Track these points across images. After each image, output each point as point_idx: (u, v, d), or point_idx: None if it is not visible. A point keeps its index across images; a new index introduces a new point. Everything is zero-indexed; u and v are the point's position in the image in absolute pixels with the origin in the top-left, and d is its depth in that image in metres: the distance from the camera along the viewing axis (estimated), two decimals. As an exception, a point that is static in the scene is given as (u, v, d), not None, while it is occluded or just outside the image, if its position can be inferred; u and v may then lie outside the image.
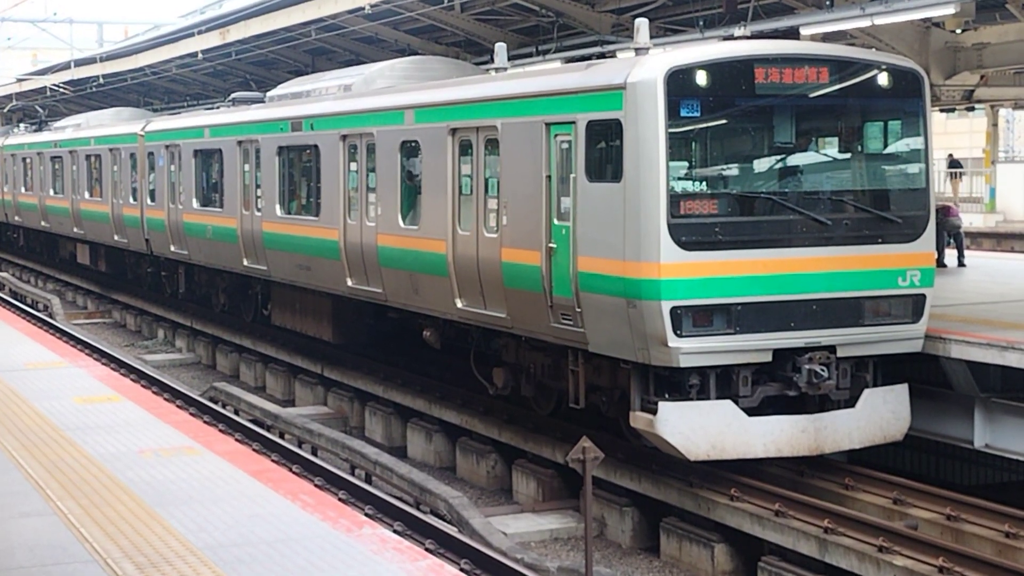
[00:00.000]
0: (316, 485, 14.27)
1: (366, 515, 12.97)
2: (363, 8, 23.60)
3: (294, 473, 14.46)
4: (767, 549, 13.51)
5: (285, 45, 30.16)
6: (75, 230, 36.07)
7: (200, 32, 32.72)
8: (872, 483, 14.41)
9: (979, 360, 14.27)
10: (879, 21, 17.15)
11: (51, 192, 38.17)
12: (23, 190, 42.02)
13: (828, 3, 17.91)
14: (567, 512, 15.96)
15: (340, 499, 14.07)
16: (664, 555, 14.67)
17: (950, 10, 16.48)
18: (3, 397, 14.82)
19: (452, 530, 13.95)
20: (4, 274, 42.80)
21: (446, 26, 24.92)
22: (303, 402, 23.37)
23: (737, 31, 15.25)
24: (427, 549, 12.29)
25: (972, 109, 28.09)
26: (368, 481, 16.60)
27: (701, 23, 19.30)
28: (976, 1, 17.30)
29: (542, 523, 15.60)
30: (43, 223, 39.73)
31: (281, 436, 19.17)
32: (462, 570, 12.38)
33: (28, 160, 41.10)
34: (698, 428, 13.65)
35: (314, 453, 18.22)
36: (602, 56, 21.27)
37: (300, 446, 18.60)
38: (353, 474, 16.96)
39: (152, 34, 44.31)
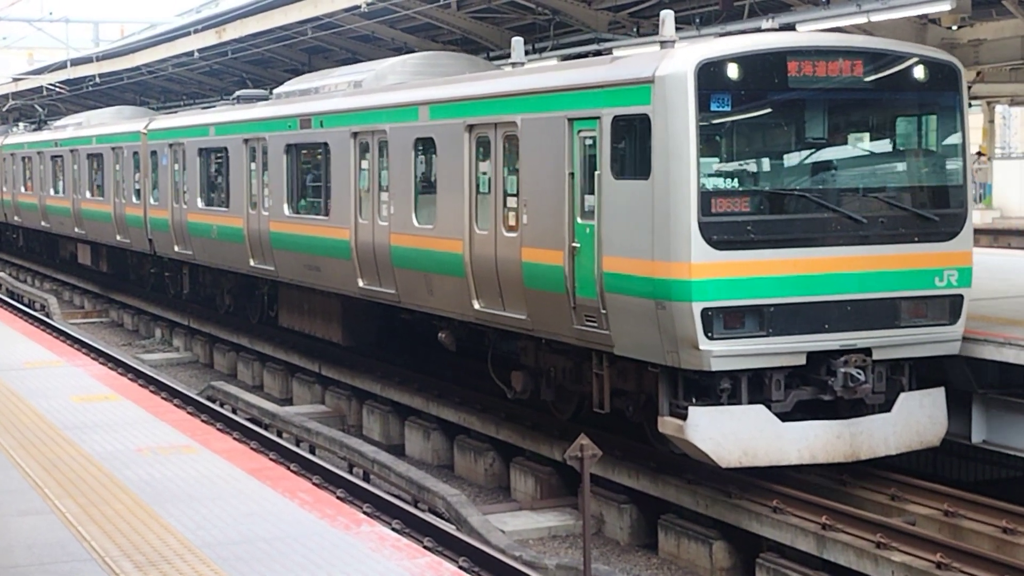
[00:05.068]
0: (314, 483, 14.27)
1: (364, 513, 12.97)
2: (359, 6, 23.56)
3: (292, 471, 14.46)
4: (765, 546, 13.52)
5: (281, 44, 30.13)
6: (76, 230, 35.71)
7: (196, 31, 32.70)
8: (869, 479, 14.41)
9: (977, 356, 14.26)
10: (875, 18, 17.14)
11: (51, 192, 37.83)
12: (23, 190, 41.69)
13: (824, 0, 17.93)
14: (565, 510, 15.96)
15: (338, 497, 14.07)
16: (662, 552, 14.68)
17: (946, 6, 16.45)
18: (1, 396, 14.81)
19: (450, 528, 13.95)
20: (1, 274, 42.74)
21: (443, 24, 24.91)
22: (301, 401, 23.37)
23: (765, 23, 14.94)
24: (425, 547, 12.30)
25: (969, 105, 28.14)
26: (366, 479, 16.60)
27: (698, 20, 19.29)
28: (972, -3, 17.32)
29: (540, 521, 15.60)
30: (43, 223, 39.39)
31: (279, 435, 19.17)
32: (460, 568, 12.37)
33: (28, 159, 40.82)
34: (730, 434, 13.18)
35: (312, 451, 18.22)
36: (599, 53, 21.25)
37: (298, 444, 18.61)
38: (351, 472, 16.96)
39: (148, 33, 44.32)
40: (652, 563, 14.53)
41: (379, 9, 23.93)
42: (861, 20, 17.33)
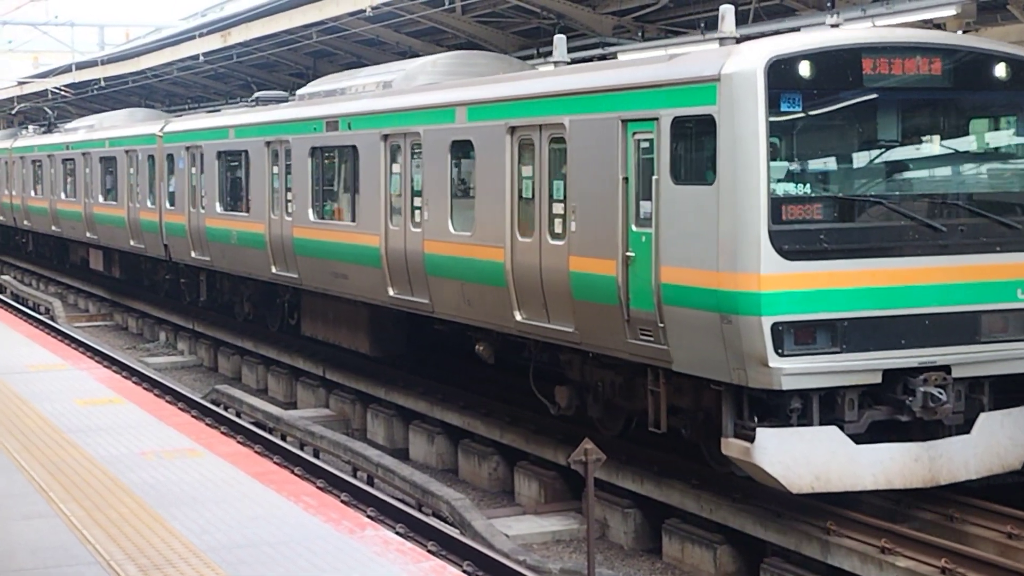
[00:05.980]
0: (318, 487, 14.28)
1: (368, 517, 12.98)
2: (364, 10, 23.54)
3: (296, 475, 14.45)
4: (770, 550, 13.51)
5: (286, 48, 30.16)
6: (88, 235, 35.10)
7: (201, 35, 32.68)
8: (874, 484, 14.40)
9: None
10: (880, 22, 17.13)
11: (62, 196, 37.29)
12: (33, 194, 41.15)
13: (829, 4, 17.92)
14: (569, 514, 15.96)
15: (342, 501, 14.08)
16: (666, 556, 14.67)
17: (951, 11, 16.44)
18: (5, 399, 14.82)
19: (454, 532, 13.96)
20: (6, 277, 42.74)
21: (447, 28, 24.92)
22: (305, 404, 23.38)
23: (829, 18, 14.50)
24: (429, 551, 12.30)
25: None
26: (370, 483, 16.61)
27: (703, 25, 19.26)
28: (977, 2, 17.27)
29: (544, 525, 15.59)
30: (54, 228, 38.84)
31: (283, 438, 19.18)
32: (464, 572, 12.39)
33: (38, 163, 40.27)
34: (800, 457, 12.36)
35: (316, 455, 18.23)
36: (603, 58, 21.24)
37: (302, 448, 18.62)
38: (355, 476, 16.97)
39: (153, 37, 44.30)
40: (656, 567, 14.52)
41: (384, 13, 23.92)
42: (866, 25, 17.32)
